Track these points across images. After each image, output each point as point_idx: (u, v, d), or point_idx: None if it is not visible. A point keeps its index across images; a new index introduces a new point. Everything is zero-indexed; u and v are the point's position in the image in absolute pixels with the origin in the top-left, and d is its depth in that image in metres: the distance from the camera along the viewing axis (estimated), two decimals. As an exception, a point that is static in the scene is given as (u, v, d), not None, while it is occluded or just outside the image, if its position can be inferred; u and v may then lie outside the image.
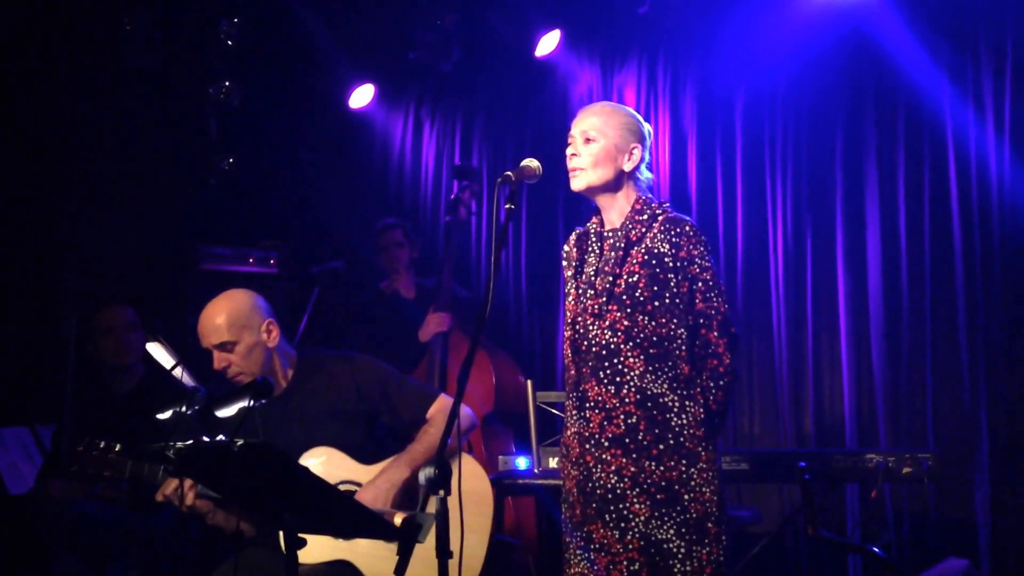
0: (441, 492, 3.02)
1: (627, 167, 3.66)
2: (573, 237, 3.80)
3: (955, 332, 5.71)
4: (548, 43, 6.92)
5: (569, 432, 3.64)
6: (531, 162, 3.53)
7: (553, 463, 4.92)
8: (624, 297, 3.56)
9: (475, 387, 5.78)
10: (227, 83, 7.16)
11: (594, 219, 3.75)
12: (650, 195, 3.71)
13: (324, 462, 4.05)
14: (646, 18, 6.60)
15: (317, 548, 3.65)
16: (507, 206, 3.41)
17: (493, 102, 7.48)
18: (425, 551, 3.17)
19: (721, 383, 3.58)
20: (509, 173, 3.47)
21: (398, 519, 3.78)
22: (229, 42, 6.97)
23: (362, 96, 7.58)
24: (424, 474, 3.03)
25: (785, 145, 6.30)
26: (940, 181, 5.84)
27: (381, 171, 7.91)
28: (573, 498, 3.60)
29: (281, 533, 3.25)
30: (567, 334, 3.68)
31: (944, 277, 5.78)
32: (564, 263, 3.80)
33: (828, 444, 5.97)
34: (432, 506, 3.07)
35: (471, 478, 3.77)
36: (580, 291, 3.66)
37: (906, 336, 5.84)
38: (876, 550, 4.62)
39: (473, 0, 6.93)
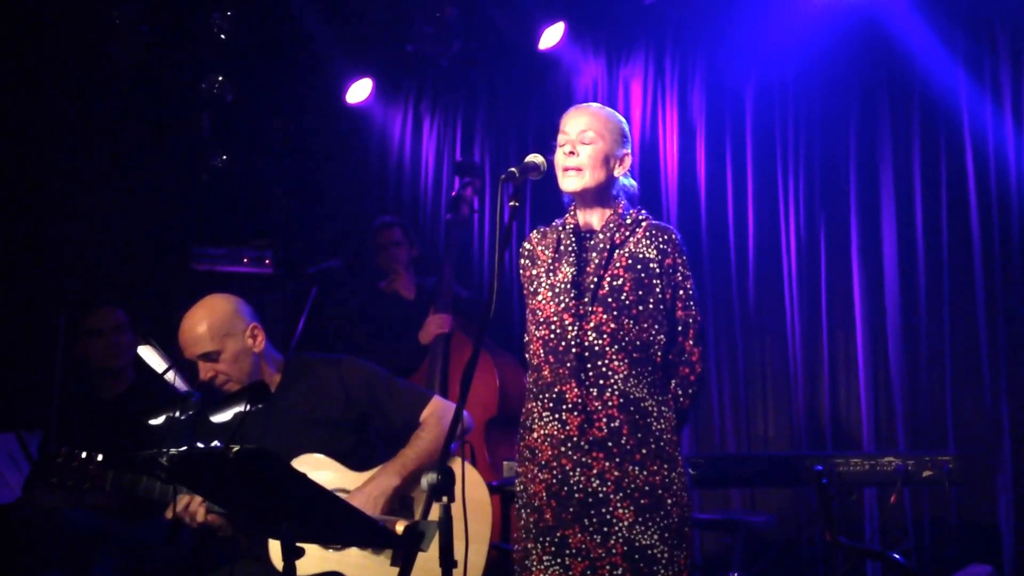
0: (444, 499, 2.97)
1: (617, 173, 3.67)
2: (536, 235, 3.78)
3: (975, 330, 5.63)
4: (552, 36, 6.83)
5: (536, 435, 3.58)
6: (535, 158, 3.54)
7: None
8: (610, 300, 3.55)
9: (478, 390, 5.66)
10: (220, 77, 7.06)
11: (568, 219, 3.71)
12: (625, 200, 3.71)
13: (311, 469, 3.95)
14: (653, 9, 6.60)
15: (307, 559, 3.57)
16: (511, 203, 3.41)
17: (495, 96, 7.40)
18: (422, 559, 3.10)
19: (691, 391, 3.66)
20: (513, 169, 3.46)
21: (400, 527, 3.72)
22: (221, 35, 6.87)
23: (360, 91, 7.49)
24: (427, 480, 2.98)
25: (797, 137, 6.21)
26: (958, 174, 5.76)
27: (380, 167, 7.82)
28: (541, 502, 3.54)
29: (278, 543, 3.17)
30: (539, 334, 3.61)
31: (963, 273, 5.69)
32: (525, 261, 3.76)
33: (844, 447, 5.90)
34: (434, 513, 3.00)
35: (470, 486, 3.67)
36: (555, 291, 3.60)
37: (924, 334, 5.76)
38: (896, 556, 4.59)
39: (473, -8, 6.86)
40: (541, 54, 6.92)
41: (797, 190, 6.17)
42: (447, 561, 2.96)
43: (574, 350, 3.53)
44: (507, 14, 6.87)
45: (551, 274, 3.64)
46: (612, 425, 3.49)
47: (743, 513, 5.69)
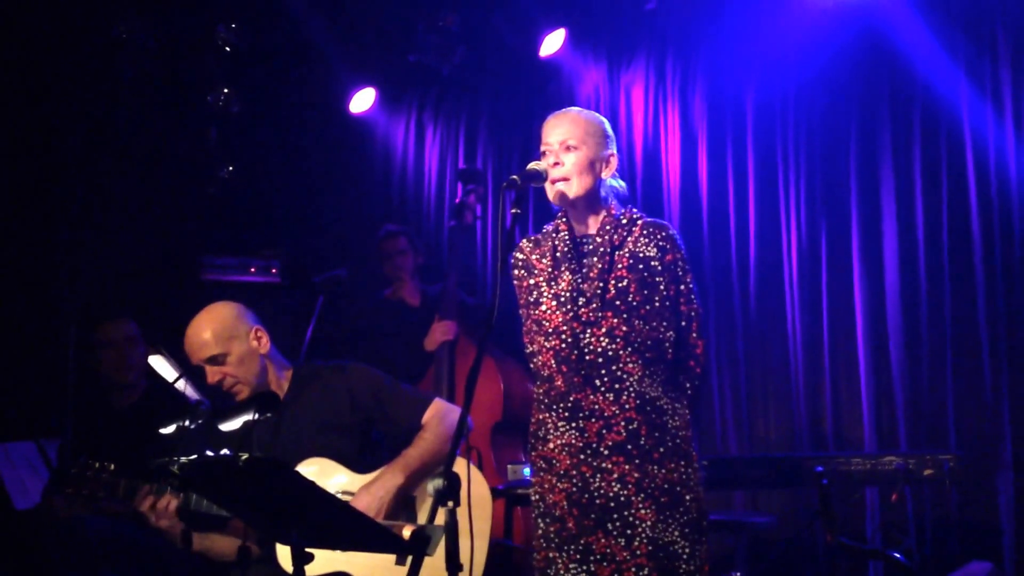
0: (450, 504, 2.96)
1: (604, 175, 3.63)
2: (527, 244, 3.74)
3: (976, 330, 5.61)
4: (553, 43, 6.83)
5: (552, 445, 3.56)
6: (537, 165, 3.54)
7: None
8: (618, 303, 3.53)
9: (483, 395, 5.65)
10: (226, 90, 7.07)
11: (560, 225, 3.67)
12: (616, 201, 3.68)
13: (317, 473, 4.00)
14: (654, 15, 6.59)
15: (314, 560, 3.60)
16: (513, 210, 3.39)
17: (497, 104, 7.40)
18: (426, 560, 3.14)
19: (696, 383, 3.66)
20: (515, 177, 3.46)
21: (407, 532, 3.69)
22: (227, 48, 6.91)
23: (363, 100, 7.50)
24: (433, 485, 2.97)
25: (798, 143, 6.21)
26: (958, 179, 5.74)
27: (384, 177, 7.83)
28: (562, 511, 3.52)
29: (288, 548, 3.19)
30: (549, 344, 3.57)
31: (963, 275, 5.68)
32: (520, 271, 3.71)
33: (846, 447, 5.88)
34: (440, 518, 3.01)
35: (472, 483, 3.69)
36: (561, 300, 3.57)
37: (925, 336, 5.74)
38: (897, 556, 4.57)
39: (474, 0, 6.84)
40: (543, 61, 6.92)
41: (798, 195, 6.17)
42: (453, 565, 2.96)
43: (587, 357, 3.51)
44: (508, 22, 6.88)
45: (552, 283, 3.61)
46: (631, 428, 3.48)
47: (745, 514, 5.68)
